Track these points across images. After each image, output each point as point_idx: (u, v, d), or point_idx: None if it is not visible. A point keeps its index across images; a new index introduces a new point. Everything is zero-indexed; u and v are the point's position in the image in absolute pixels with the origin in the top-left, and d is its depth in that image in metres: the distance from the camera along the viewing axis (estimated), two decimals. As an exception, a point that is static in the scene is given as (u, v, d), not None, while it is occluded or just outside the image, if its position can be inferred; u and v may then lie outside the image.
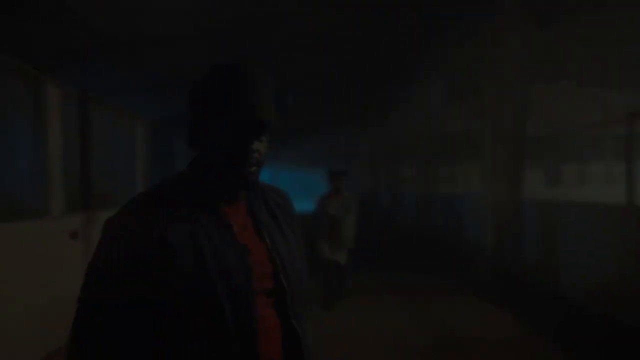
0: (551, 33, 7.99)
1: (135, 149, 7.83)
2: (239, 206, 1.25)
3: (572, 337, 5.12)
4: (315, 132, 21.44)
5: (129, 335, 1.09)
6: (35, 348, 4.32)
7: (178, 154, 11.47)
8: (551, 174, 15.19)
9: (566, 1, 7.53)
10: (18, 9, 4.33)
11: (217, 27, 6.42)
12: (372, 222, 15.54)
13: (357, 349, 4.96)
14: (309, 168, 36.43)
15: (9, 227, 4.19)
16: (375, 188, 21.80)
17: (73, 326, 1.12)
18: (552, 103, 11.14)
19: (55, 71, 5.02)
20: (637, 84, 10.50)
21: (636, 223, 5.07)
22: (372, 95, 14.07)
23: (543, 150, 12.84)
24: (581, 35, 8.63)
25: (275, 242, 1.27)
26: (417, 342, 5.12)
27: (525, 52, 7.51)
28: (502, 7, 7.48)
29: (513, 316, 5.95)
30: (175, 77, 6.31)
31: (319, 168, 30.11)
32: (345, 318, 5.98)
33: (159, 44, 6.24)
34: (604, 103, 11.66)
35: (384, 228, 15.85)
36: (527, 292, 6.77)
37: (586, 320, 5.51)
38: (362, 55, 9.75)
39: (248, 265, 1.18)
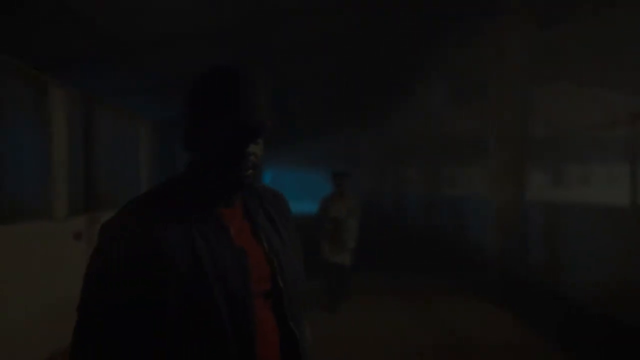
0: (553, 33, 7.99)
1: (139, 150, 7.83)
2: (235, 208, 1.25)
3: (575, 339, 5.11)
4: (317, 133, 21.44)
5: (130, 335, 1.10)
6: (39, 348, 4.32)
7: (179, 154, 11.46)
8: (554, 175, 15.17)
9: (568, 1, 7.52)
10: (18, 9, 4.33)
11: (217, 27, 6.42)
12: (374, 223, 15.54)
13: (358, 349, 4.95)
14: (311, 169, 36.43)
15: (13, 229, 4.20)
16: (378, 189, 21.80)
17: (75, 327, 1.12)
18: (554, 103, 11.13)
19: (55, 71, 5.02)
20: (639, 84, 10.48)
21: (639, 224, 5.06)
22: (373, 96, 14.07)
23: (545, 151, 12.83)
24: (583, 35, 8.62)
25: (272, 244, 1.27)
26: (417, 342, 5.11)
27: (527, 53, 7.50)
28: (503, 7, 7.48)
29: (515, 317, 5.94)
30: (175, 77, 6.31)
31: (322, 169, 30.13)
32: (346, 319, 5.97)
33: (159, 44, 6.24)
34: (606, 103, 11.65)
35: (386, 229, 15.85)
36: (530, 293, 6.76)
37: (589, 321, 5.50)
38: (363, 56, 9.74)
39: (245, 267, 1.18)
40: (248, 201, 1.29)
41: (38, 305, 4.38)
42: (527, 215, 7.44)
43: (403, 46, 9.50)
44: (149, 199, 1.19)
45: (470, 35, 8.65)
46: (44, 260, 4.51)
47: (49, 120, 4.93)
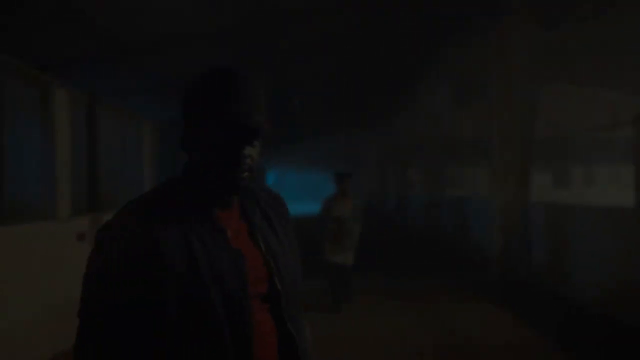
0: (554, 34, 7.97)
1: (140, 150, 7.84)
2: (232, 210, 1.25)
3: (576, 339, 5.09)
4: (318, 133, 21.41)
5: (130, 335, 1.10)
6: (42, 349, 4.32)
7: (179, 155, 11.47)
8: (557, 176, 15.15)
9: (569, 2, 7.50)
10: (18, 9, 4.33)
11: (217, 27, 6.41)
12: (375, 223, 15.52)
13: (358, 349, 4.95)
14: (314, 170, 36.40)
15: (16, 229, 4.20)
16: (381, 189, 21.79)
17: (78, 328, 1.13)
18: (555, 104, 11.11)
19: (55, 71, 5.02)
20: (639, 84, 10.47)
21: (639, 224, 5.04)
22: (374, 96, 14.05)
23: (550, 152, 12.81)
24: (587, 36, 8.60)
25: (270, 245, 1.26)
26: (417, 343, 5.10)
27: (529, 53, 7.49)
28: (507, 9, 7.46)
29: (515, 317, 5.93)
30: (175, 77, 6.30)
31: (325, 170, 30.09)
32: (346, 319, 5.97)
33: (159, 44, 6.24)
34: (608, 103, 11.63)
35: (389, 230, 15.83)
36: (531, 293, 6.75)
37: (590, 321, 5.49)
38: (364, 56, 9.73)
39: (242, 269, 1.17)
40: (245, 203, 1.28)
41: (41, 306, 4.37)
42: (528, 215, 7.43)
43: (404, 46, 9.48)
44: (149, 200, 1.20)
45: (471, 35, 8.64)
46: (47, 261, 4.51)
47: (51, 121, 4.94)
